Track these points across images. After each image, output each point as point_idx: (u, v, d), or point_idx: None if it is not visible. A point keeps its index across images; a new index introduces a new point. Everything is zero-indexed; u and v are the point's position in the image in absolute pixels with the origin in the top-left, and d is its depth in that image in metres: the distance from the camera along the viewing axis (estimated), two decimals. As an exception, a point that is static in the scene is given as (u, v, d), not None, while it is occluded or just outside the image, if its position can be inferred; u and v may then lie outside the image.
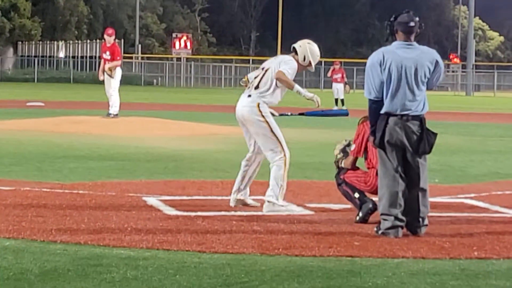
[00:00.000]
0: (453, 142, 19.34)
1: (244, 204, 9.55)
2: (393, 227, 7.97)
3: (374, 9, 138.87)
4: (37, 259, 6.71)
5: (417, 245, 7.62)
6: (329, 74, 38.09)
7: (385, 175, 8.08)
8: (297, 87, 9.31)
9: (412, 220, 8.05)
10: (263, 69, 9.52)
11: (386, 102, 8.02)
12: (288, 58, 9.50)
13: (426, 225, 8.10)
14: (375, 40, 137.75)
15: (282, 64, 9.38)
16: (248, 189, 9.61)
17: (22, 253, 6.94)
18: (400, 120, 7.98)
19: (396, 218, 7.97)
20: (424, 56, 8.10)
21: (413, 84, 8.00)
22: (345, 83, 37.74)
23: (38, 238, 7.50)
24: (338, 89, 37.38)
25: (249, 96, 9.42)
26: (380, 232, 8.01)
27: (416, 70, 8.01)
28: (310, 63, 9.54)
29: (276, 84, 9.33)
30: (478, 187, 11.67)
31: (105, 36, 22.35)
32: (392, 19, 8.25)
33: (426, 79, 8.07)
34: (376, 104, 8.09)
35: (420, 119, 8.04)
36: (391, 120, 7.99)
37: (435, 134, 8.13)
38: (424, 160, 8.13)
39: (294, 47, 9.58)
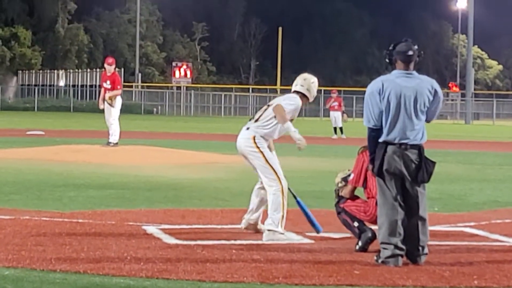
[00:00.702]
0: (452, 171, 19.34)
1: (255, 229, 9.60)
2: (393, 255, 7.95)
3: (374, 38, 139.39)
4: (37, 288, 6.70)
5: (417, 273, 7.60)
6: (326, 103, 38.28)
7: (384, 203, 8.07)
8: (288, 124, 9.32)
9: (412, 249, 8.03)
10: (268, 105, 9.63)
11: (385, 130, 8.02)
12: (294, 96, 9.60)
13: (426, 253, 8.09)
14: (374, 68, 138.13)
15: (286, 99, 9.53)
16: (261, 213, 9.65)
17: (21, 282, 6.92)
18: (398, 149, 7.98)
19: (396, 247, 7.96)
20: (424, 85, 8.11)
21: (412, 113, 8.01)
22: (343, 112, 37.91)
23: (38, 267, 7.48)
24: (336, 117, 37.56)
25: (248, 128, 9.55)
26: (380, 260, 7.99)
27: (415, 99, 8.02)
28: (315, 93, 9.78)
29: (276, 119, 9.41)
30: (478, 216, 11.65)
31: (105, 65, 22.40)
32: (390, 48, 8.27)
33: (426, 109, 8.08)
34: (375, 133, 8.09)
35: (419, 148, 8.04)
36: (390, 148, 7.99)
37: (433, 163, 8.12)
38: (423, 189, 8.12)
39: (300, 92, 9.64)
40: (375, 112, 8.04)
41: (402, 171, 7.98)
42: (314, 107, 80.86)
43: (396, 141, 7.97)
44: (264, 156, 9.41)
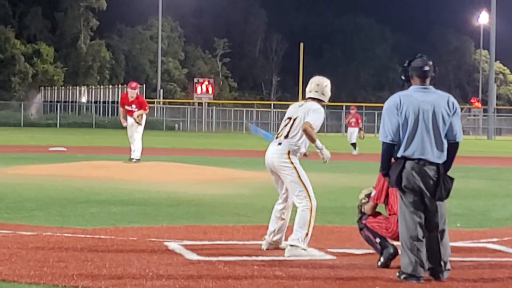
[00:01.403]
0: (474, 186, 19.26)
1: (277, 247, 9.57)
2: (413, 272, 7.91)
3: (395, 53, 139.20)
4: (59, 304, 6.71)
5: (440, 290, 7.57)
6: (345, 120, 38.46)
7: (403, 218, 8.04)
8: (318, 142, 9.43)
9: (434, 265, 8.00)
10: (290, 118, 9.60)
11: (403, 145, 7.97)
12: (317, 106, 9.59)
13: (449, 269, 8.05)
14: (395, 84, 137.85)
15: (311, 112, 9.47)
16: (283, 234, 9.66)
17: (43, 298, 6.94)
18: (417, 165, 7.93)
19: (417, 262, 7.92)
20: (441, 99, 8.07)
21: (430, 128, 7.96)
22: (360, 128, 38.02)
23: (60, 283, 7.50)
24: (352, 133, 37.64)
25: (279, 144, 9.52)
26: (402, 277, 7.95)
27: (433, 113, 7.98)
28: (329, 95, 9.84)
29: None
30: (501, 231, 11.59)
31: (128, 89, 22.52)
32: (405, 64, 8.25)
33: (445, 124, 8.00)
34: (391, 149, 8.05)
35: (437, 165, 8.00)
36: (408, 164, 7.94)
37: (452, 179, 8.06)
38: (442, 201, 8.08)
39: (316, 98, 9.65)
40: (393, 127, 8.00)
41: (421, 187, 7.94)
42: (336, 123, 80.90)
43: (414, 156, 7.93)
44: (297, 171, 9.42)
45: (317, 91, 9.71)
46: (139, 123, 22.07)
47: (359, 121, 38.50)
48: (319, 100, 9.70)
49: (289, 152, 9.45)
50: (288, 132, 9.53)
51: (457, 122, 8.11)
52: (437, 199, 8.01)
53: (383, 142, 8.09)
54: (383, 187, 8.77)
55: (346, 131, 38.37)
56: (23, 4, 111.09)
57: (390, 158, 8.07)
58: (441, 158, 8.00)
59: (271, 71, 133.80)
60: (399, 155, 8.00)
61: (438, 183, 7.95)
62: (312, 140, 9.42)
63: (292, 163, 9.43)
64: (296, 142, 9.49)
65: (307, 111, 9.50)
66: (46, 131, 67.38)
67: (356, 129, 37.76)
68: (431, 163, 7.95)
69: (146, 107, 22.36)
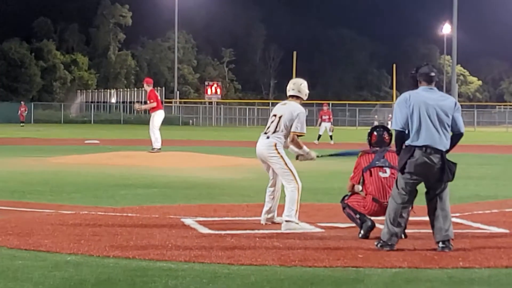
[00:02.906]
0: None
1: (272, 222, 9.57)
2: (390, 241, 7.90)
3: (373, 59, 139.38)
4: (94, 271, 6.72)
5: (412, 256, 7.57)
6: (319, 116, 38.62)
7: (396, 196, 8.01)
8: (304, 148, 9.51)
9: (439, 240, 7.91)
10: (275, 116, 9.51)
11: (412, 135, 7.90)
12: (299, 109, 9.44)
13: (449, 247, 7.89)
14: (373, 85, 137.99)
15: (296, 121, 9.34)
16: (275, 210, 9.65)
17: (81, 266, 6.95)
18: (424, 153, 7.83)
19: (394, 234, 7.91)
20: (444, 98, 8.05)
21: (436, 121, 7.89)
22: (331, 123, 38.46)
23: (95, 254, 7.51)
24: (326, 127, 37.85)
25: (268, 137, 9.49)
26: (379, 245, 7.95)
27: (438, 109, 7.92)
28: (306, 93, 9.71)
29: (288, 131, 9.40)
30: (462, 207, 11.59)
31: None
32: (413, 72, 8.22)
33: (448, 119, 7.93)
34: (401, 134, 7.99)
35: (441, 153, 7.92)
36: (417, 153, 7.85)
37: (455, 164, 8.04)
38: (445, 186, 8.03)
39: (294, 95, 9.60)
40: (402, 117, 7.93)
41: (426, 173, 7.91)
42: (311, 118, 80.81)
43: (420, 145, 7.84)
44: (284, 160, 9.40)
45: (293, 89, 9.64)
46: (138, 109, 22.15)
47: (330, 116, 38.80)
48: (297, 97, 9.62)
49: (275, 144, 9.41)
50: (275, 128, 9.49)
51: (459, 117, 8.06)
52: (445, 182, 7.96)
53: (395, 130, 8.05)
54: (359, 171, 8.86)
55: (320, 125, 38.36)
56: (62, 22, 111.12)
57: (402, 142, 8.01)
58: (445, 146, 7.94)
59: (270, 75, 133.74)
60: (407, 143, 7.94)
61: (444, 168, 7.90)
62: (299, 147, 9.45)
63: (279, 153, 9.39)
64: (282, 136, 9.46)
65: (291, 114, 9.38)
66: (82, 127, 67.39)
67: (330, 123, 38.01)
68: (436, 151, 7.86)
69: (151, 101, 22.00)
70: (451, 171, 7.96)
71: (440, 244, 7.90)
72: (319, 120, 38.61)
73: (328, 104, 41.17)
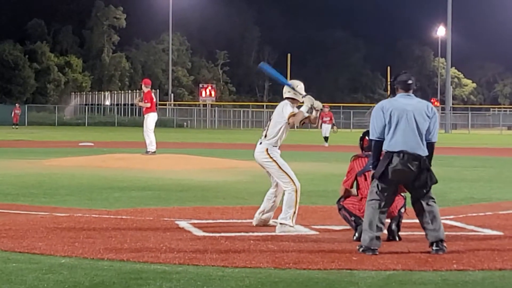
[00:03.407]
0: (435, 172, 19.17)
1: (265, 224, 9.58)
2: (370, 246, 7.84)
3: (367, 61, 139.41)
4: (88, 274, 6.72)
5: (406, 259, 7.58)
6: (320, 117, 38.76)
7: (372, 201, 8.00)
8: (304, 113, 9.45)
9: (432, 242, 7.92)
10: (270, 120, 9.68)
11: (389, 141, 7.88)
12: (283, 103, 9.56)
13: (443, 249, 7.90)
14: (368, 87, 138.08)
15: (284, 109, 9.48)
16: (272, 213, 9.66)
17: (75, 268, 6.94)
18: (402, 160, 7.82)
19: (375, 238, 7.87)
20: (421, 104, 8.04)
21: (414, 126, 7.89)
22: (333, 125, 38.68)
23: (89, 256, 7.50)
24: (326, 128, 38.01)
25: (261, 143, 9.56)
26: (360, 249, 7.91)
27: (415, 114, 7.91)
28: (300, 93, 9.63)
29: (280, 129, 9.43)
30: (456, 210, 11.61)
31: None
32: (392, 79, 8.26)
33: (426, 124, 7.94)
34: (378, 144, 8.00)
35: (419, 159, 7.92)
36: (395, 160, 7.83)
37: (431, 172, 8.00)
38: (428, 189, 8.02)
39: (289, 97, 9.64)
40: (379, 126, 7.95)
41: (404, 179, 7.91)
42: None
43: (397, 150, 7.82)
44: (277, 164, 9.42)
45: (289, 91, 9.69)
46: (136, 103, 22.73)
47: (332, 118, 38.87)
48: (293, 100, 9.66)
49: (267, 149, 9.45)
50: (267, 132, 9.55)
51: (434, 125, 8.04)
52: (424, 188, 7.96)
53: (372, 139, 8.04)
54: (352, 175, 8.90)
55: (320, 127, 38.60)
56: (56, 24, 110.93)
57: (379, 153, 8.01)
58: (424, 151, 7.92)
59: (264, 77, 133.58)
60: (385, 148, 7.95)
61: (421, 174, 7.89)
62: (301, 116, 9.41)
63: (271, 157, 9.43)
64: (273, 140, 9.49)
65: (278, 113, 9.50)
66: (76, 129, 67.30)
67: (330, 125, 38.20)
68: (415, 157, 7.86)
69: (146, 101, 22.11)
70: (430, 177, 7.95)
71: (434, 247, 7.91)
72: (320, 121, 38.72)
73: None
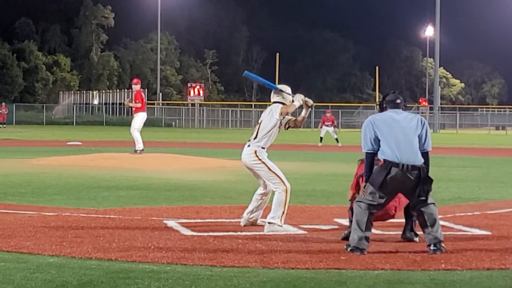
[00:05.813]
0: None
1: (253, 224, 9.58)
2: (358, 246, 7.87)
3: (356, 62, 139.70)
4: (76, 273, 6.70)
5: (394, 259, 7.60)
6: (321, 121, 39.19)
7: (363, 204, 8.00)
8: (295, 106, 9.48)
9: (430, 243, 7.96)
10: (259, 123, 9.65)
11: (387, 151, 7.91)
12: (274, 106, 9.60)
13: (441, 249, 7.93)
14: (356, 87, 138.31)
15: (275, 110, 9.50)
16: (260, 213, 9.65)
17: (63, 268, 6.92)
18: (401, 171, 7.84)
19: (363, 238, 7.89)
20: (410, 116, 8.12)
21: (406, 135, 7.94)
22: (335, 126, 39.25)
23: (77, 255, 7.48)
24: (329, 130, 38.25)
25: (249, 146, 9.55)
26: (349, 249, 7.93)
27: (404, 124, 7.98)
28: (290, 98, 9.65)
29: (269, 131, 9.44)
30: (444, 209, 11.63)
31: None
32: (381, 99, 8.35)
33: (416, 132, 7.99)
34: (370, 156, 8.06)
35: (419, 169, 7.92)
36: (393, 170, 7.85)
37: (431, 181, 8.04)
38: (422, 197, 8.05)
39: (277, 101, 9.66)
40: (370, 139, 8.02)
41: (401, 189, 7.96)
42: (306, 120, 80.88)
43: (395, 160, 7.85)
44: (266, 165, 9.42)
45: (278, 95, 9.71)
46: (127, 104, 22.71)
47: (334, 121, 39.66)
48: (282, 104, 9.67)
49: (256, 151, 9.44)
50: (256, 135, 9.55)
51: (426, 135, 8.09)
52: (417, 196, 8.00)
53: (365, 152, 8.10)
54: (356, 179, 8.88)
55: (315, 127, 38.97)
56: (44, 22, 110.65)
57: (372, 165, 8.06)
58: (420, 160, 7.94)
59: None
60: (381, 157, 7.97)
61: (418, 185, 7.93)
62: (293, 108, 9.44)
63: (260, 159, 9.42)
64: (261, 142, 9.49)
65: (268, 115, 9.52)
66: (64, 128, 67.13)
67: (332, 128, 38.64)
68: (413, 168, 7.89)
69: (136, 101, 22.14)
70: (424, 189, 7.96)
71: (432, 247, 7.95)
72: (320, 124, 39.06)
73: (327, 106, 41.96)
